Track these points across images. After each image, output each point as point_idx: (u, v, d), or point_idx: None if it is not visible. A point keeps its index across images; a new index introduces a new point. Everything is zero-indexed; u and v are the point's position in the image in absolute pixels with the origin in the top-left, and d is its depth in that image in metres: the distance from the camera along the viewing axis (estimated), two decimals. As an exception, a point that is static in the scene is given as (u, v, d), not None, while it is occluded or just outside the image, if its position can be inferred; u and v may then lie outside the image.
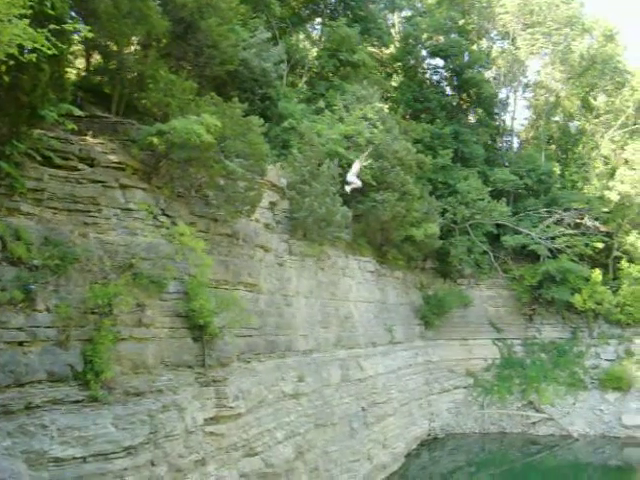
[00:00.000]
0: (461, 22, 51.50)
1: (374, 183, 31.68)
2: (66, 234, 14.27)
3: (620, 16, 72.35)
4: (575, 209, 45.45)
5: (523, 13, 51.16)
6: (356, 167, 24.22)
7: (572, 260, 43.75)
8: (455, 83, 51.29)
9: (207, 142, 16.93)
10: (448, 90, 52.42)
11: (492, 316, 46.42)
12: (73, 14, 16.34)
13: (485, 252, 45.11)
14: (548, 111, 55.98)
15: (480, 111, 53.90)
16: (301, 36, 42.63)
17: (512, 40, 53.42)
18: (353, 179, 24.16)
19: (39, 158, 14.44)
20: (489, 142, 53.31)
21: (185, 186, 18.92)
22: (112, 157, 16.61)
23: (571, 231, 44.61)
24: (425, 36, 50.19)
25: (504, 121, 56.83)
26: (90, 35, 12.42)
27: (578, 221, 45.40)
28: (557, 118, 57.97)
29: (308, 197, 25.84)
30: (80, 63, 21.95)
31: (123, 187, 16.57)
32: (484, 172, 47.49)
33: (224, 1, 23.06)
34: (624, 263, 45.30)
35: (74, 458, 12.52)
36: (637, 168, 46.65)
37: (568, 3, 51.69)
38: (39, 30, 10.85)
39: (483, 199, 43.92)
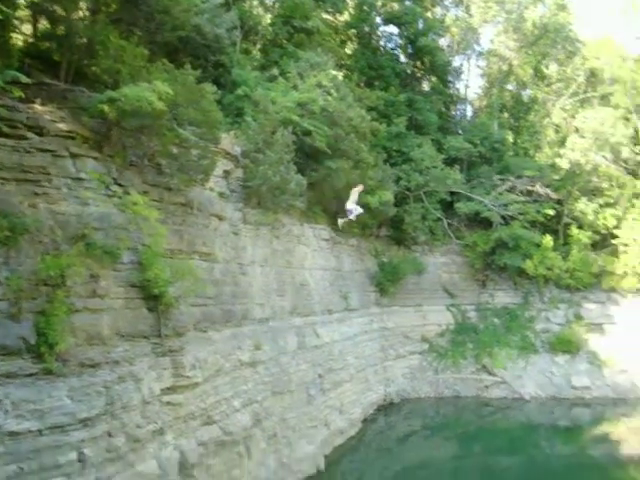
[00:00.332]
0: (415, -11, 51.36)
1: (328, 151, 31.65)
2: (15, 205, 13.98)
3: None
4: (527, 177, 46.13)
5: (477, -20, 51.32)
6: (355, 195, 23.85)
7: (524, 227, 44.58)
8: (409, 51, 51.30)
9: (159, 110, 16.66)
10: (402, 58, 52.41)
11: (446, 282, 47.10)
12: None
13: (439, 219, 45.63)
14: (501, 79, 56.55)
15: (434, 79, 54.13)
16: (254, 2, 41.91)
17: (466, 8, 53.69)
18: (353, 207, 23.83)
19: (-15, 127, 14.07)
20: (443, 110, 53.67)
21: (137, 155, 18.62)
22: (62, 125, 16.24)
23: (523, 198, 45.39)
24: (379, 3, 50.05)
25: (458, 89, 57.36)
26: (36, -1, 12.07)
27: (530, 188, 46.17)
28: (510, 86, 58.61)
29: (262, 165, 25.69)
30: (27, 29, 21.24)
31: (73, 156, 16.22)
32: (438, 140, 47.81)
33: (175, -34, 22.55)
34: (574, 229, 46.34)
35: (30, 431, 12.46)
36: (587, 136, 47.50)
37: (521, -29, 51.99)
38: (-18, -6, 10.51)
39: (437, 167, 44.22)
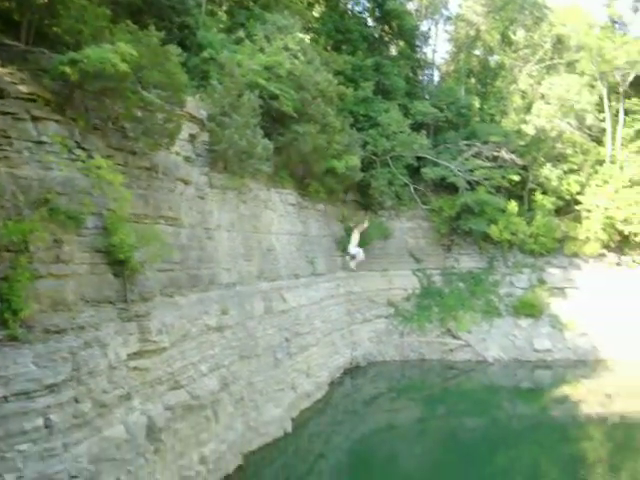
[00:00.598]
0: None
1: (295, 115, 31.44)
2: (-25, 169, 13.68)
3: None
4: (493, 142, 46.43)
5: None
6: (356, 235, 23.43)
7: (489, 192, 45.01)
8: (377, 14, 50.91)
9: (122, 72, 16.31)
10: (370, 22, 52.11)
11: (412, 247, 47.48)
12: None
13: (405, 184, 45.78)
14: (469, 45, 56.48)
15: (402, 43, 53.92)
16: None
17: (434, -29, 53.18)
18: (356, 250, 23.43)
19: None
20: (410, 75, 53.54)
21: (101, 118, 18.28)
22: (22, 88, 15.81)
23: (489, 164, 45.75)
24: (347, -35, 49.43)
25: (425, 54, 57.27)
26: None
27: (495, 154, 46.52)
28: (477, 52, 58.61)
29: (228, 129, 25.42)
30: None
31: (35, 119, 15.82)
32: (405, 105, 47.77)
33: None
34: (538, 195, 46.93)
35: (-5, 398, 12.36)
36: (553, 103, 47.87)
37: None
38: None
39: (404, 132, 44.27)
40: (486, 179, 45.09)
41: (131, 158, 19.15)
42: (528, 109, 50.28)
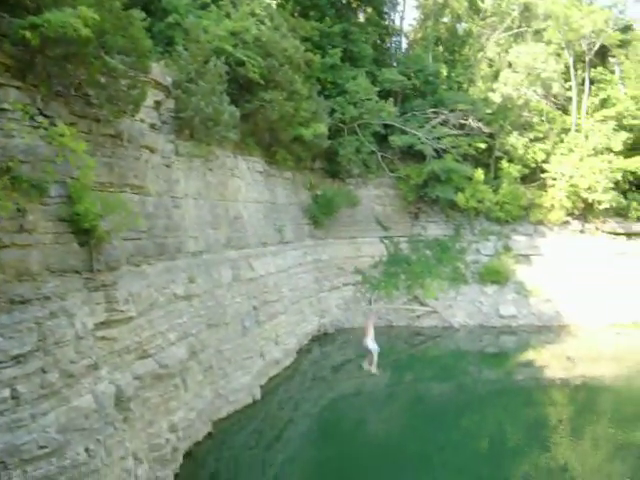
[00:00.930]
0: None
1: (262, 82, 31.13)
2: None
3: None
4: (460, 110, 46.52)
5: None
6: (371, 328, 22.78)
7: (456, 160, 45.22)
8: (345, -21, 50.27)
9: (85, 37, 15.90)
10: (338, -13, 51.36)
11: (379, 215, 47.67)
12: None
13: (373, 152, 45.79)
14: (436, 12, 56.25)
15: (369, 10, 53.46)
16: None
17: None
18: (373, 346, 22.95)
19: None
20: (378, 42, 53.25)
21: (64, 84, 17.85)
22: (-19, 53, 15.40)
23: (456, 132, 45.90)
24: None
25: (393, 21, 56.90)
26: None
27: (463, 122, 46.67)
28: (445, 19, 58.36)
29: (194, 96, 25.09)
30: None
31: (-5, 85, 15.46)
32: (372, 72, 47.53)
33: None
34: (504, 163, 47.33)
35: (-41, 369, 12.23)
36: (520, 71, 48.08)
37: None
38: None
39: (371, 99, 44.15)
40: (453, 147, 45.27)
41: (95, 125, 18.79)
42: (495, 77, 50.43)
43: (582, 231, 47.17)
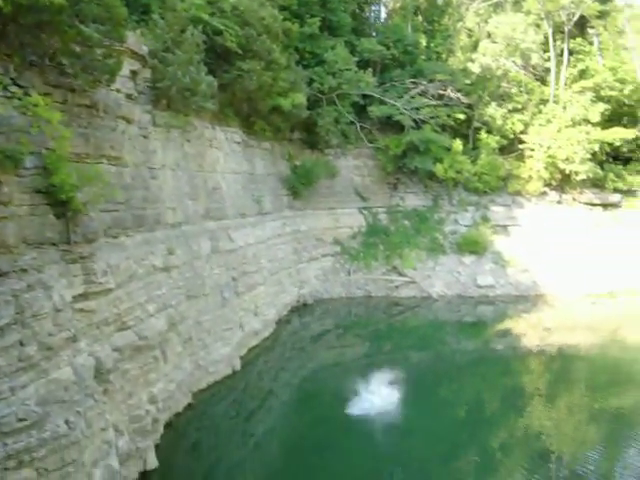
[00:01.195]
0: None
1: (240, 51, 30.78)
2: None
3: None
4: (439, 80, 46.47)
5: None
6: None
7: (435, 131, 45.27)
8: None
9: (58, 4, 15.57)
10: (316, -46, 50.58)
11: (358, 186, 47.69)
12: None
13: (352, 122, 45.66)
14: (415, -20, 55.65)
15: (348, -22, 52.68)
16: None
17: None
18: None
19: None
20: (357, 11, 52.75)
21: (38, 54, 17.50)
22: (-49, 20, 15.04)
23: (434, 102, 45.84)
24: None
25: (372, -11, 56.14)
26: None
27: (441, 92, 46.62)
28: (425, -12, 57.75)
29: (171, 65, 24.74)
30: None
31: (-34, 54, 15.12)
32: (351, 42, 47.24)
33: None
34: (483, 134, 47.44)
35: None
36: (499, 41, 47.93)
37: None
38: None
39: (350, 69, 43.90)
40: (432, 117, 45.26)
41: (70, 95, 18.49)
42: (474, 48, 50.26)
43: (559, 202, 47.56)
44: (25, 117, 15.50)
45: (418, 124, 45.32)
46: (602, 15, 49.41)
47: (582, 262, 43.38)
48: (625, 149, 47.93)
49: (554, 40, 49.23)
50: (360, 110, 46.32)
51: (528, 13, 49.16)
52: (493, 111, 47.36)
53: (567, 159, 44.79)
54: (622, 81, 46.72)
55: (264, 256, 35.13)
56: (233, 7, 30.66)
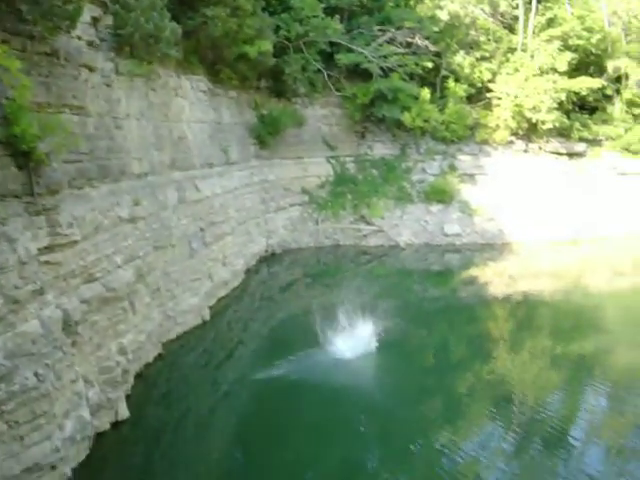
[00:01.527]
0: None
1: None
2: None
3: None
4: (407, 28, 46.00)
5: None
6: None
7: (403, 79, 45.01)
8: None
9: (15, -54, 15.06)
10: None
11: (326, 134, 47.48)
12: None
13: (319, 70, 45.18)
14: None
15: None
16: None
17: None
18: None
19: None
20: (323, -45, 51.44)
21: (-7, -1, 16.94)
22: None
23: (402, 50, 45.49)
24: None
25: None
26: None
27: (409, 40, 46.21)
28: None
29: (134, 11, 24.04)
30: None
31: None
32: (318, -13, 46.25)
33: None
34: (450, 82, 47.29)
35: None
36: (467, -12, 47.43)
37: None
38: None
39: (317, 16, 43.28)
40: (400, 65, 44.94)
41: (29, 43, 17.90)
42: (443, -6, 49.70)
43: (526, 151, 47.93)
44: (-18, 65, 15.04)
45: (386, 72, 44.99)
46: (571, -39, 49.11)
47: (547, 210, 44.03)
48: (591, 98, 48.26)
49: (523, -13, 48.93)
50: (327, 58, 45.79)
51: (497, -41, 48.67)
52: (461, 59, 47.19)
53: (534, 108, 44.97)
54: (589, 30, 46.78)
55: (232, 206, 34.97)
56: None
